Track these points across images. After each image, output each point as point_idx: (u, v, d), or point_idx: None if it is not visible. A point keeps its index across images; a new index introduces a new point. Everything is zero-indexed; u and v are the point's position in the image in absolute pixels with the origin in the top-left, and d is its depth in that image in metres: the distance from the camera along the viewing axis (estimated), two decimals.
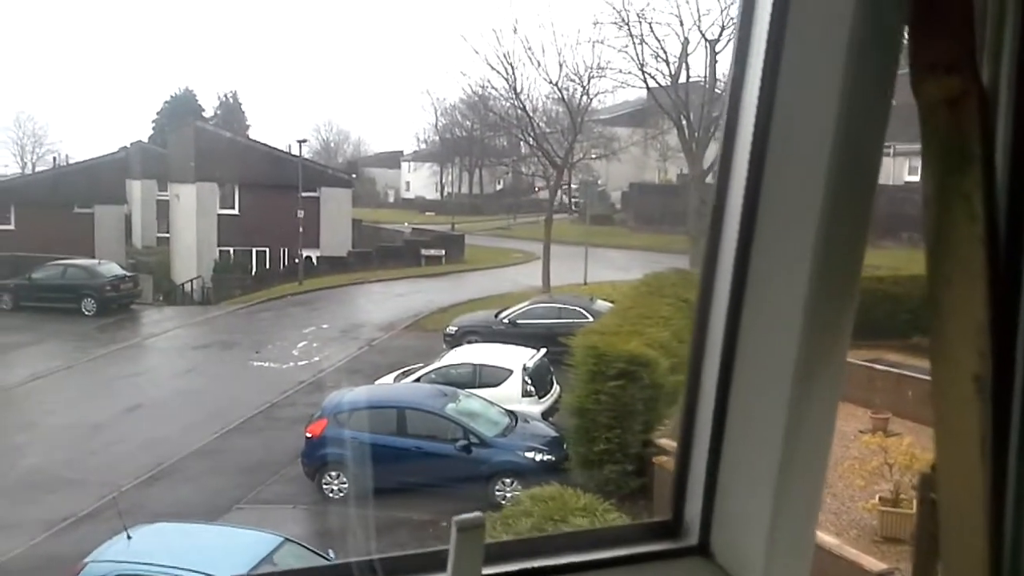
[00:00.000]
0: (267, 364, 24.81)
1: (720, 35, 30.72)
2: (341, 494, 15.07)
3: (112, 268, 34.89)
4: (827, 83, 1.20)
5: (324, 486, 15.16)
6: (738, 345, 1.35)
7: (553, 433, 15.73)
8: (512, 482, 14.43)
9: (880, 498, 10.87)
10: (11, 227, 43.68)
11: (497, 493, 14.45)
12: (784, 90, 1.25)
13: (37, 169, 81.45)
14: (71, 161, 64.35)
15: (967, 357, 1.09)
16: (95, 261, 35.85)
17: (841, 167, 1.22)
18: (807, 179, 1.23)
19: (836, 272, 1.26)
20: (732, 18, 30.16)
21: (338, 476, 15.13)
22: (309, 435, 15.41)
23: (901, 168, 29.78)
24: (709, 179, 34.08)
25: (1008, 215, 1.12)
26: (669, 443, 13.60)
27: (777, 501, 1.33)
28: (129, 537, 9.81)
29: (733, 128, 1.36)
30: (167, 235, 50.78)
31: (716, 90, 31.49)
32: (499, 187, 75.06)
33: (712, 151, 31.26)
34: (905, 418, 13.41)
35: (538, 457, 14.78)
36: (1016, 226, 1.12)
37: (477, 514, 1.16)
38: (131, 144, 67.56)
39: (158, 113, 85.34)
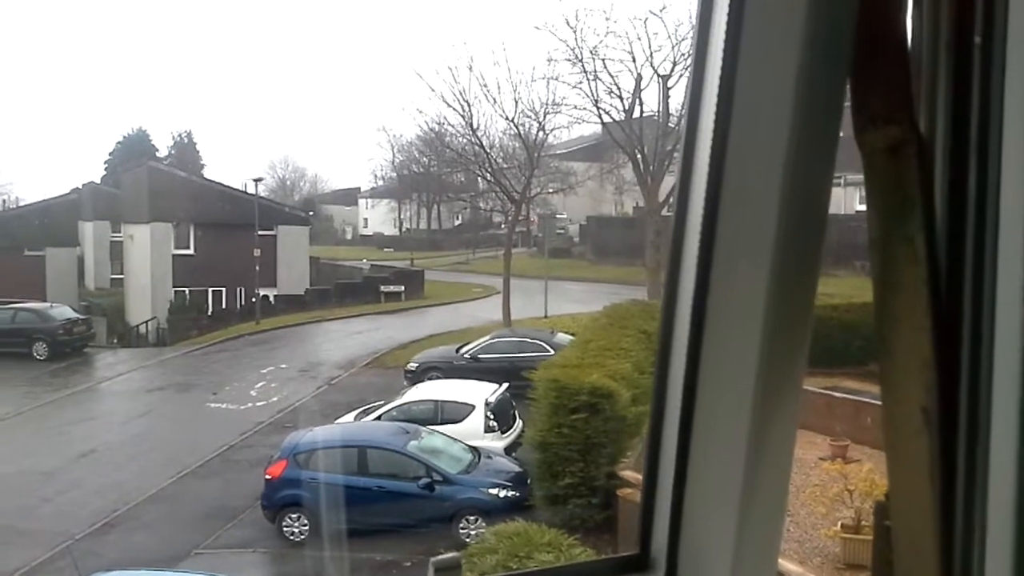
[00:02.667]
0: (224, 406, 24.44)
1: (672, 71, 31.31)
2: (302, 536, 14.83)
3: (64, 311, 34.22)
4: (777, 122, 1.26)
5: (284, 528, 14.91)
6: (699, 378, 1.39)
7: (517, 468, 15.67)
8: (476, 519, 14.32)
9: (842, 525, 10.97)
10: None
11: (461, 531, 14.33)
12: (737, 131, 1.31)
13: None
14: (21, 203, 63.31)
15: (915, 391, 1.15)
16: (47, 304, 35.14)
17: (793, 200, 1.27)
18: (761, 212, 1.28)
19: (791, 301, 1.31)
20: (684, 54, 30.77)
21: (299, 518, 14.90)
22: (268, 477, 15.20)
23: (852, 198, 30.43)
24: (665, 211, 34.53)
25: (948, 257, 1.18)
26: (633, 475, 13.61)
27: (740, 529, 1.36)
28: None
29: (689, 163, 1.41)
30: (121, 276, 50.00)
31: (669, 124, 32.00)
32: (457, 222, 75.22)
33: (667, 184, 31.72)
34: (864, 444, 13.57)
35: (502, 493, 14.71)
36: (956, 267, 1.18)
37: (454, 555, 1.18)
38: (83, 185, 66.61)
39: (110, 153, 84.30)
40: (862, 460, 12.63)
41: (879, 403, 1.25)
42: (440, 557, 1.15)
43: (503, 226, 41.47)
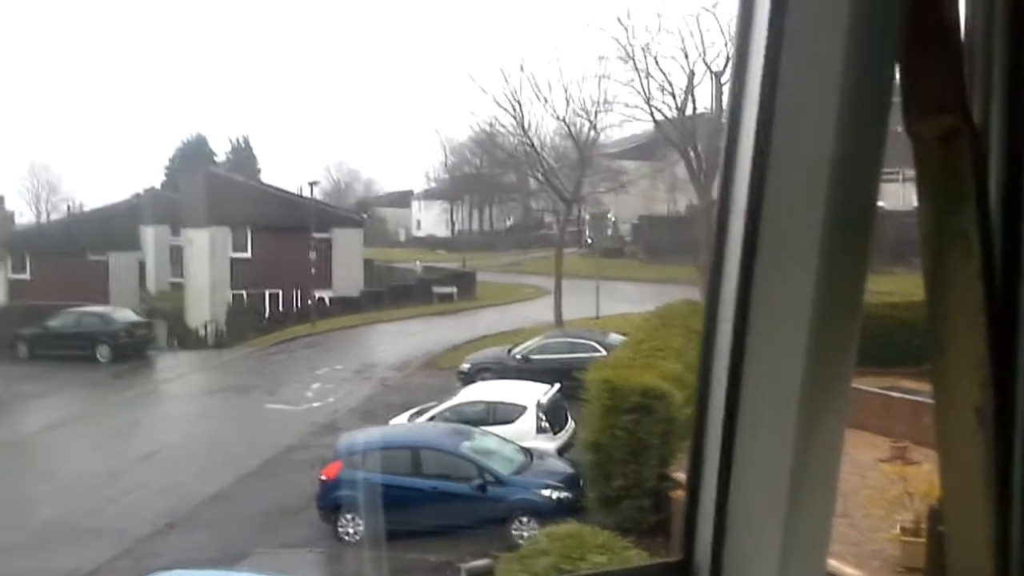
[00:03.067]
0: (281, 407, 24.80)
1: (725, 67, 30.88)
2: (357, 537, 14.97)
3: (126, 314, 35.07)
4: (823, 114, 1.22)
5: (340, 529, 15.07)
6: (743, 379, 1.36)
7: (569, 469, 15.61)
8: (529, 520, 14.30)
9: (901, 527, 10.72)
10: (26, 276, 44.07)
11: (514, 532, 14.32)
12: (781, 123, 1.27)
13: (51, 217, 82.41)
14: (85, 209, 65.06)
15: (968, 390, 1.10)
16: (109, 308, 36.04)
17: (840, 194, 1.23)
18: (806, 207, 1.24)
19: (839, 299, 1.27)
20: None
21: (353, 519, 15.03)
22: (324, 478, 15.36)
23: (910, 193, 29.69)
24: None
25: (1003, 249, 1.14)
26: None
27: (787, 534, 1.32)
28: None
29: (732, 157, 1.37)
30: (181, 280, 51.05)
31: (722, 121, 31.59)
32: (509, 223, 75.29)
33: None
34: (925, 446, 13.20)
35: (554, 494, 14.67)
36: (1012, 260, 1.13)
37: (486, 561, 1.16)
38: (144, 191, 68.16)
39: (170, 159, 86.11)
40: (922, 462, 12.33)
41: None
42: (472, 563, 1.14)
43: (554, 226, 41.33)
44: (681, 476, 13.44)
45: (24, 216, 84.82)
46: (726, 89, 30.26)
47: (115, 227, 46.92)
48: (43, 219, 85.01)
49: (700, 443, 1.45)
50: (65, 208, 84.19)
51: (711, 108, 32.52)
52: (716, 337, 1.41)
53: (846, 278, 1.29)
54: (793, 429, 1.31)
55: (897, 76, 1.21)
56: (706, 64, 30.82)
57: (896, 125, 1.31)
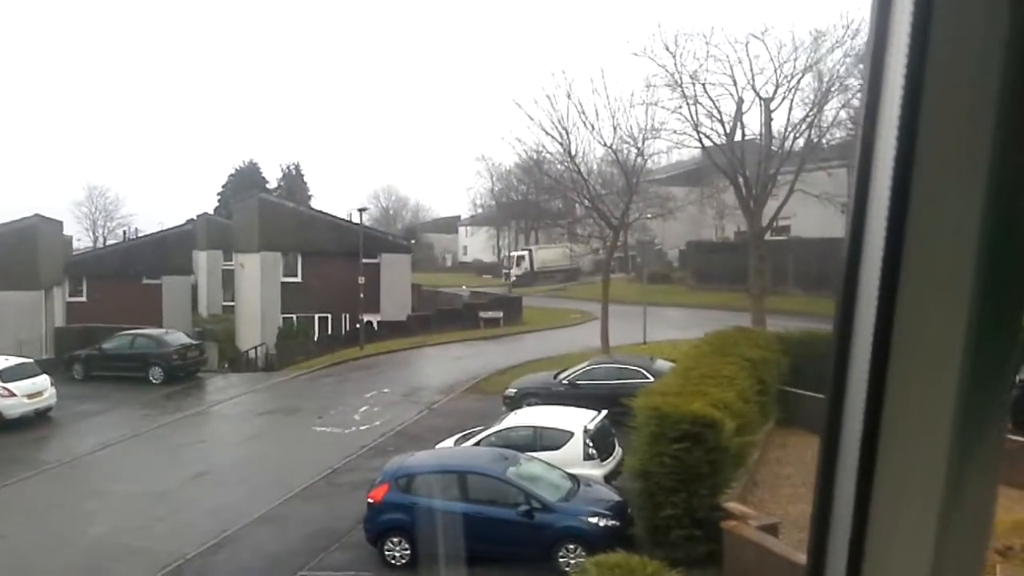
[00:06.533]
0: (330, 429, 24.96)
1: (774, 93, 30.68)
2: (403, 560, 14.92)
3: (179, 337, 35.65)
4: (975, 129, 1.09)
5: (386, 552, 15.03)
6: (881, 427, 1.22)
7: (616, 497, 15.40)
8: (576, 548, 14.13)
9: None
10: (83, 299, 45.15)
11: (560, 559, 14.15)
12: (926, 138, 1.14)
13: (108, 242, 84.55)
14: (140, 234, 66.60)
15: None
16: (163, 330, 36.71)
17: (997, 221, 1.09)
18: (957, 235, 1.12)
19: (995, 337, 1.13)
20: (786, 76, 30.13)
21: (400, 542, 15.00)
22: (370, 501, 15.36)
23: None
24: (768, 236, 33.73)
25: None
26: (738, 507, 13.21)
27: None
28: None
29: (865, 178, 1.23)
30: (232, 303, 51.92)
31: (772, 147, 31.31)
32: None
33: (770, 207, 31.00)
34: None
35: (602, 522, 14.46)
36: None
37: None
38: (198, 216, 69.81)
39: (223, 185, 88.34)
40: None
41: None
42: None
43: (601, 252, 41.20)
44: (733, 506, 13.19)
45: (81, 240, 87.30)
46: (775, 115, 29.93)
47: (169, 251, 47.93)
48: (100, 244, 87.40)
49: (828, 489, 1.30)
50: (121, 233, 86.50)
51: (760, 134, 32.21)
52: (848, 376, 1.26)
53: (1005, 314, 1.15)
54: (941, 483, 1.17)
55: None
56: (755, 90, 30.63)
57: None
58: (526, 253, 70.60)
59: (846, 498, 1.21)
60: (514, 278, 67.45)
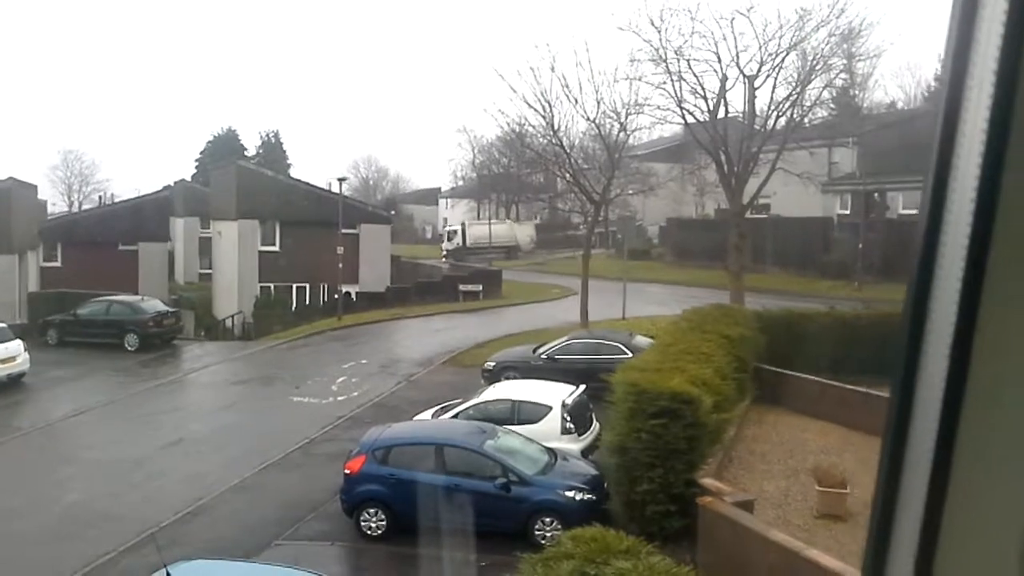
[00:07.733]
0: (306, 399, 24.89)
1: (758, 71, 30.61)
2: (379, 531, 14.94)
3: (155, 304, 35.34)
4: None
5: (362, 523, 15.04)
6: (959, 428, 1.11)
7: (593, 471, 15.47)
8: (552, 521, 14.20)
9: None
10: (58, 264, 44.58)
11: (536, 532, 14.22)
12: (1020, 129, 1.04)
13: (84, 207, 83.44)
14: (117, 200, 65.79)
15: None
16: (138, 297, 36.35)
17: None
18: None
19: None
20: (771, 53, 30.07)
21: (376, 513, 15.00)
22: (347, 472, 15.33)
23: None
24: (748, 214, 33.74)
25: None
26: (713, 483, 13.29)
27: None
28: (168, 574, 9.74)
29: (946, 160, 1.11)
30: (209, 271, 51.49)
31: (755, 125, 31.29)
32: (536, 223, 75.23)
33: (751, 186, 31.02)
34: None
35: (578, 496, 14.53)
36: None
37: None
38: (175, 183, 69.04)
39: (201, 152, 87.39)
40: None
41: None
42: None
43: (581, 227, 41.14)
44: (709, 482, 13.26)
45: (56, 205, 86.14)
46: (759, 93, 29.68)
47: (146, 218, 47.33)
48: (75, 208, 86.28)
49: (894, 488, 1.19)
50: (97, 199, 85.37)
51: (743, 112, 32.15)
52: (919, 376, 1.14)
53: None
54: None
55: None
56: (739, 68, 30.52)
57: None
58: (459, 228, 70.49)
59: (914, 505, 1.11)
60: (444, 252, 67.42)
